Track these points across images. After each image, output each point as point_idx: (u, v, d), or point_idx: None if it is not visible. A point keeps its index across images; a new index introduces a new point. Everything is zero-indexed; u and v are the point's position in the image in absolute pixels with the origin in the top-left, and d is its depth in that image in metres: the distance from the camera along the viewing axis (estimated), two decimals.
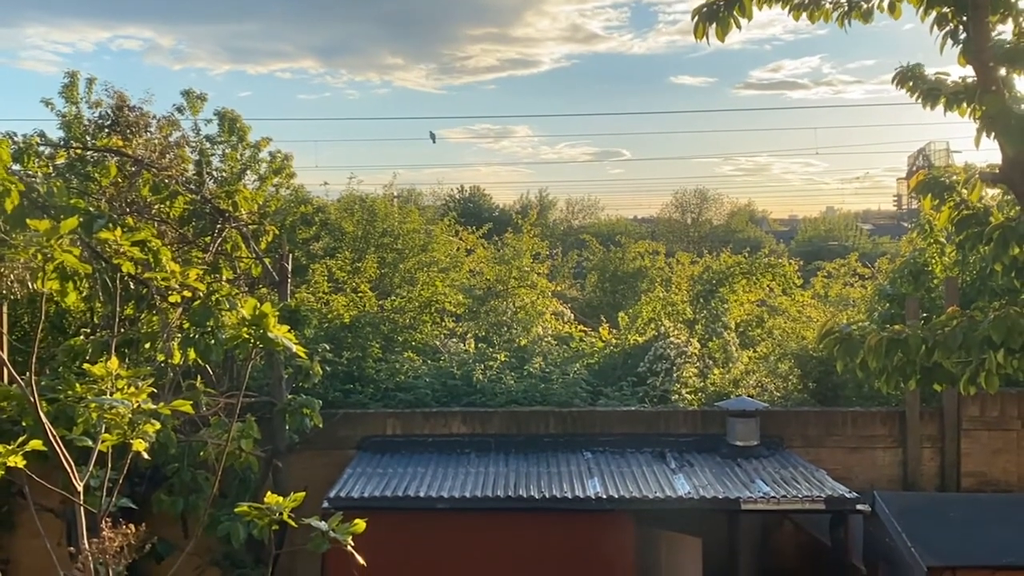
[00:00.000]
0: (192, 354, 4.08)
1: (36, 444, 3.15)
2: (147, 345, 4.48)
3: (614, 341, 9.46)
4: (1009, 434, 7.24)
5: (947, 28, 4.23)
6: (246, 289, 6.41)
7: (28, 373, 3.25)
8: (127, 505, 3.90)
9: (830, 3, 4.42)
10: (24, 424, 4.64)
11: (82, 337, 6.01)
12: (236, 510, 3.25)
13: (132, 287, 4.55)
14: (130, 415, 3.34)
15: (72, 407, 3.92)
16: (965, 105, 4.26)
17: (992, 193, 4.74)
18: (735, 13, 4.30)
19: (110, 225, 3.90)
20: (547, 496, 5.98)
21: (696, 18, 4.27)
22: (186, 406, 3.53)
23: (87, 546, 3.07)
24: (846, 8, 4.41)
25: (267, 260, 6.73)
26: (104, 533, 3.06)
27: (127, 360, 4.49)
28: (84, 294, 3.56)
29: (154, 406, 3.36)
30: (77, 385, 3.72)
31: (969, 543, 5.64)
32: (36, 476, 3.35)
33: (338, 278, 9.37)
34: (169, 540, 5.98)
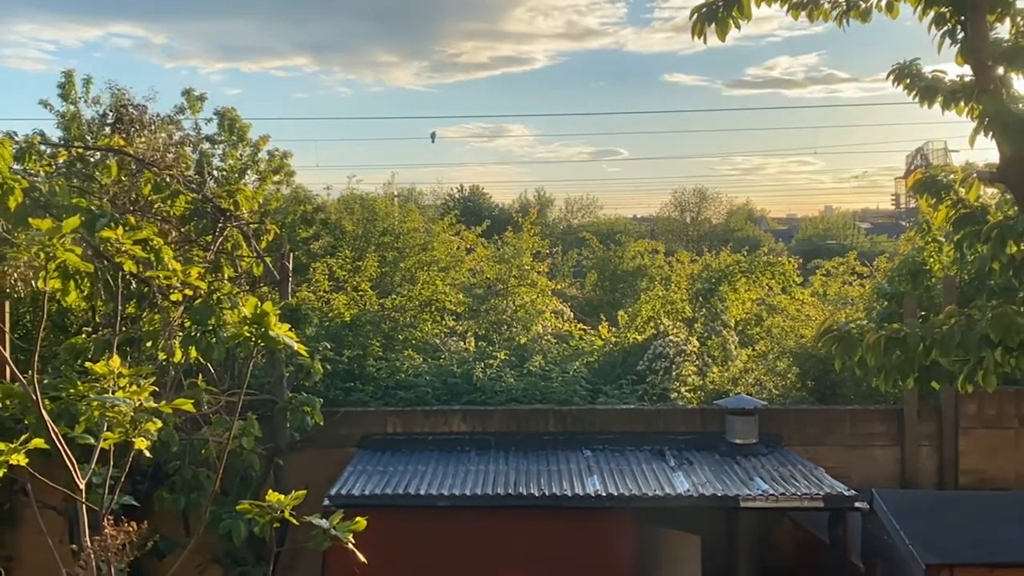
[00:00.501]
0: (193, 352, 4.10)
1: (38, 442, 3.16)
2: (149, 343, 4.51)
3: (613, 339, 9.48)
4: (1007, 432, 7.26)
5: (945, 27, 4.24)
6: (247, 288, 6.45)
7: (30, 371, 3.26)
8: (129, 503, 3.91)
9: (828, 2, 4.44)
10: (27, 422, 4.66)
11: (84, 336, 6.05)
12: (238, 508, 3.26)
13: (134, 286, 4.57)
14: (132, 413, 3.35)
15: (74, 405, 3.93)
16: (962, 104, 4.28)
17: (990, 192, 4.75)
18: (734, 13, 4.32)
19: (112, 224, 3.92)
20: (547, 494, 6.00)
21: (695, 18, 4.29)
22: (187, 404, 3.54)
23: (89, 543, 3.09)
24: (844, 7, 4.43)
25: (268, 259, 6.75)
26: (106, 531, 3.07)
27: (129, 358, 4.52)
28: (86, 293, 3.57)
29: (156, 404, 3.37)
30: (79, 383, 3.73)
31: (967, 541, 5.66)
32: (39, 474, 3.37)
33: (339, 277, 9.39)
34: (171, 538, 5.99)
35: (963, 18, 4.16)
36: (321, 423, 6.65)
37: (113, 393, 3.35)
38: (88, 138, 8.07)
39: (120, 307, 4.16)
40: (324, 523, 3.04)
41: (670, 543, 6.46)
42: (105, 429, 3.36)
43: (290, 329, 3.64)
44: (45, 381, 5.24)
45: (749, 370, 8.62)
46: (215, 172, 9.09)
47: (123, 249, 3.70)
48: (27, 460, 3.12)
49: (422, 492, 6.06)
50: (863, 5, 4.41)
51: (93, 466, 3.39)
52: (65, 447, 3.25)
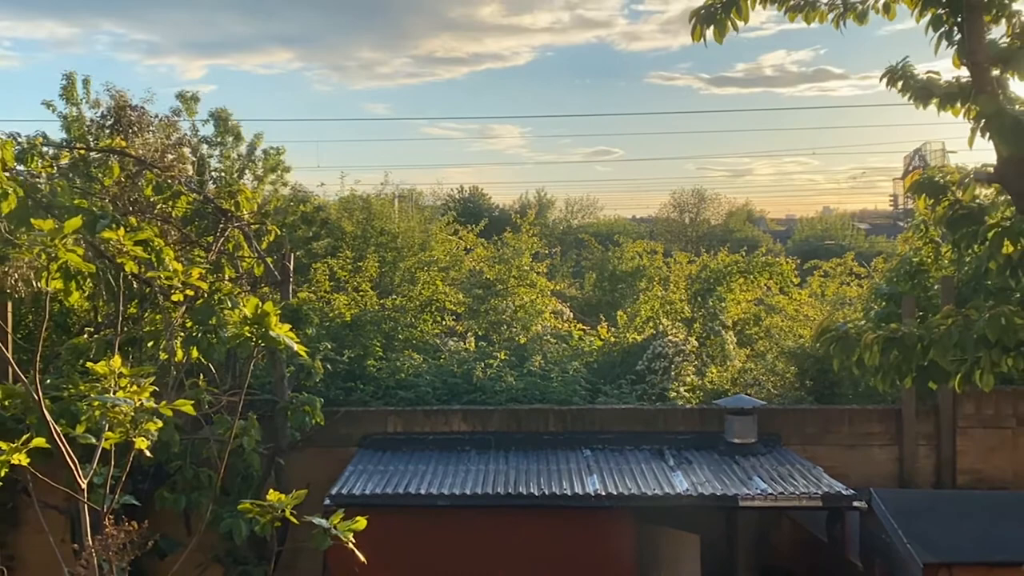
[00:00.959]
0: (195, 353, 4.12)
1: (40, 442, 3.18)
2: (150, 344, 4.52)
3: (612, 340, 9.50)
4: (1004, 432, 7.28)
5: (942, 29, 4.27)
6: (248, 288, 6.46)
7: (32, 371, 3.28)
8: (130, 502, 3.93)
9: (825, 4, 4.46)
10: (28, 422, 4.69)
11: (86, 336, 6.07)
12: (239, 507, 3.29)
13: (135, 286, 4.59)
14: (133, 413, 3.37)
15: (76, 405, 3.96)
16: (959, 105, 4.30)
17: (987, 192, 4.77)
18: (732, 15, 4.34)
19: (113, 225, 3.94)
20: (547, 493, 6.01)
21: (693, 20, 4.31)
22: (188, 405, 3.56)
23: (91, 543, 3.11)
24: (841, 9, 4.45)
25: (269, 259, 6.77)
26: (107, 530, 3.09)
27: (130, 359, 4.53)
28: (88, 293, 3.59)
29: (157, 404, 3.39)
30: (81, 383, 3.75)
31: (965, 540, 5.68)
32: (40, 473, 3.38)
33: (339, 277, 9.41)
34: (172, 537, 6.01)
35: (959, 20, 4.19)
36: (322, 423, 6.67)
37: (114, 393, 3.37)
38: (89, 139, 8.09)
39: (122, 307, 4.18)
40: (325, 522, 3.06)
41: (670, 542, 6.48)
42: (106, 429, 3.38)
43: (291, 329, 3.67)
44: (47, 381, 5.26)
45: (748, 370, 8.65)
46: (213, 173, 9.12)
47: (124, 250, 3.72)
48: (29, 460, 3.14)
49: (422, 491, 6.08)
50: (860, 7, 4.44)
51: (95, 466, 3.41)
52: (67, 447, 3.27)
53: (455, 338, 9.16)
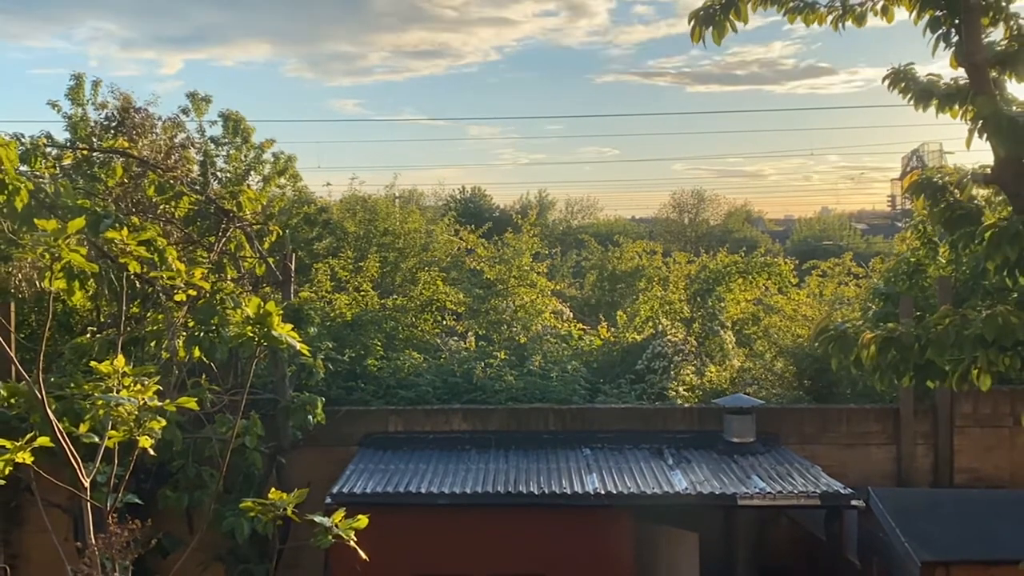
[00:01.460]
0: (197, 352, 4.14)
1: (44, 441, 3.18)
2: (153, 343, 4.55)
3: (612, 339, 9.53)
4: (1001, 431, 7.32)
5: (940, 31, 4.29)
6: (250, 288, 6.49)
7: (36, 371, 3.29)
8: (133, 501, 3.95)
9: (824, 6, 4.49)
10: (32, 421, 4.69)
11: (89, 335, 6.08)
12: (241, 506, 3.30)
13: (138, 286, 4.60)
14: (136, 412, 3.38)
15: (79, 404, 3.98)
16: (957, 107, 4.33)
17: (984, 193, 4.79)
18: (731, 17, 4.37)
19: (116, 225, 3.96)
20: (546, 492, 6.04)
21: (692, 22, 4.34)
22: (191, 403, 3.58)
23: (94, 541, 3.12)
24: (840, 11, 4.48)
25: (271, 260, 6.80)
26: (111, 528, 3.11)
27: (133, 358, 4.55)
28: (91, 293, 3.61)
29: (160, 403, 3.41)
30: (84, 383, 3.76)
31: (963, 538, 5.71)
32: (44, 472, 3.39)
33: (340, 277, 9.44)
34: (174, 535, 6.05)
35: (957, 22, 4.21)
36: (323, 422, 6.70)
37: (117, 392, 3.38)
38: (94, 140, 8.12)
39: (124, 307, 4.19)
40: (326, 521, 3.08)
41: (669, 541, 6.51)
42: (109, 428, 3.39)
43: (292, 329, 3.68)
44: (51, 380, 5.28)
45: (746, 369, 8.68)
46: (219, 174, 9.14)
47: (127, 250, 3.74)
48: (32, 458, 3.14)
49: (423, 490, 6.11)
50: (858, 9, 4.47)
51: (98, 464, 3.41)
52: (70, 446, 3.28)
53: (456, 338, 9.20)
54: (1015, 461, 7.29)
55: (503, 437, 7.38)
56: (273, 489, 3.20)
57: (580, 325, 10.07)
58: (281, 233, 6.78)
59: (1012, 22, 4.29)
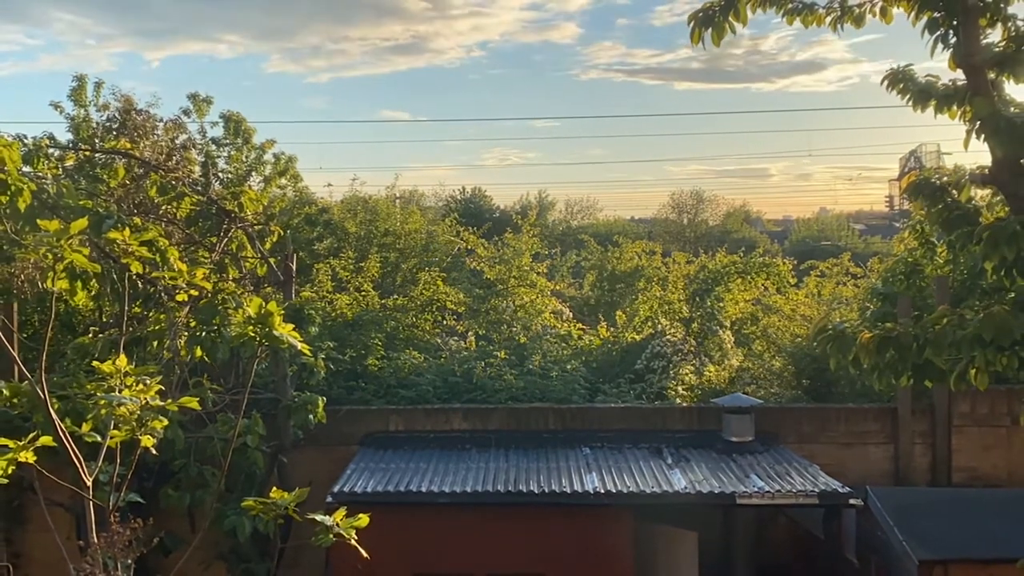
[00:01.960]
0: (199, 352, 4.16)
1: (46, 440, 3.19)
2: (155, 343, 4.57)
3: (612, 339, 9.56)
4: (999, 430, 7.34)
5: (938, 32, 4.32)
6: (251, 288, 6.50)
7: (38, 370, 3.29)
8: (135, 500, 3.97)
9: (823, 8, 4.51)
10: (35, 420, 4.71)
11: (91, 335, 6.10)
12: (242, 505, 3.32)
13: (140, 286, 4.62)
14: (138, 411, 3.39)
15: (81, 404, 4.00)
16: (955, 107, 4.35)
17: (982, 194, 4.82)
18: (730, 18, 4.39)
19: (118, 225, 3.98)
20: (546, 491, 6.06)
21: (692, 23, 4.36)
22: (193, 403, 3.59)
23: (96, 540, 3.14)
24: (839, 13, 4.50)
25: (272, 260, 6.82)
26: (113, 527, 3.12)
27: (135, 358, 4.57)
28: (93, 293, 3.62)
29: (162, 403, 3.43)
30: (86, 382, 3.77)
31: (960, 537, 5.74)
32: (46, 471, 3.40)
33: (341, 277, 9.46)
34: (176, 534, 6.07)
35: (955, 23, 4.23)
36: (324, 421, 6.72)
37: (120, 392, 3.39)
38: (96, 141, 8.13)
39: (126, 307, 4.21)
40: (327, 520, 3.09)
41: (668, 540, 6.53)
42: (112, 427, 3.40)
43: (294, 329, 3.69)
44: (53, 380, 5.29)
45: (745, 369, 8.70)
46: (220, 174, 9.16)
47: (129, 250, 3.75)
48: (35, 458, 3.15)
49: (423, 489, 6.13)
50: (857, 10, 4.49)
51: (100, 464, 3.42)
52: (72, 445, 3.29)
53: (456, 337, 9.22)
54: (1012, 460, 7.32)
55: (503, 436, 7.40)
56: (274, 488, 3.21)
57: (580, 325, 10.09)
58: (282, 233, 6.80)
59: (1010, 23, 4.31)
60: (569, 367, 8.38)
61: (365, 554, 3.18)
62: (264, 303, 3.64)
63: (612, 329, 9.85)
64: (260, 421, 6.30)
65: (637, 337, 9.39)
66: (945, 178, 4.69)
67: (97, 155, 6.98)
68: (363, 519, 3.11)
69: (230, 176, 9.20)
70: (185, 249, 6.03)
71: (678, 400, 8.11)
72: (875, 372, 4.00)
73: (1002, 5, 4.26)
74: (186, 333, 4.25)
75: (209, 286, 4.17)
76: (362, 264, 9.90)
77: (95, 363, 3.50)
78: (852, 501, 5.94)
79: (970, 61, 4.16)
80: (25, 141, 5.33)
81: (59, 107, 8.55)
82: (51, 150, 5.88)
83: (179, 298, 4.18)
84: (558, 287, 11.05)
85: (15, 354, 3.72)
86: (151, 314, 5.04)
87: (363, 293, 9.08)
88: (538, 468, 6.61)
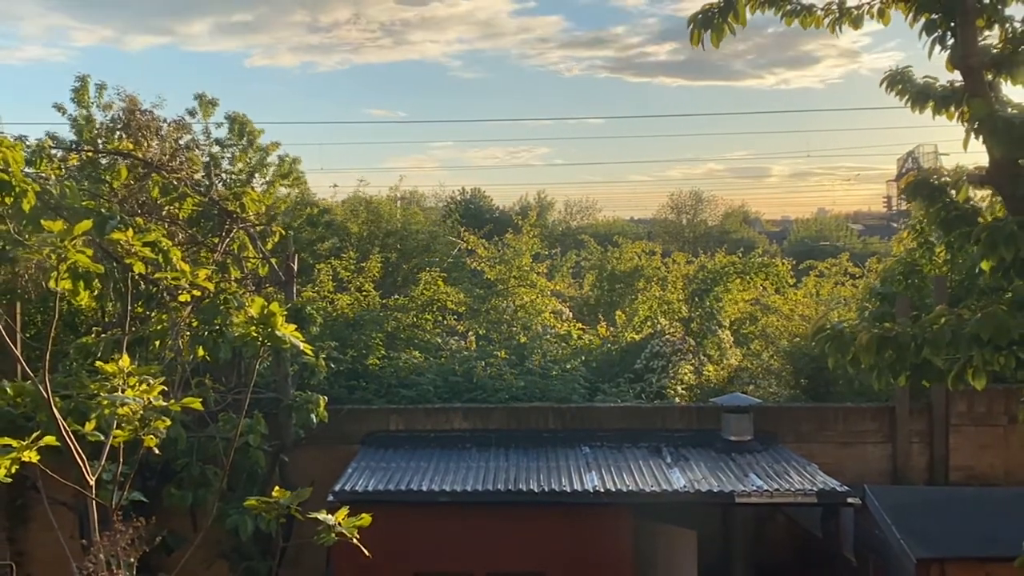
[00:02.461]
0: (201, 351, 4.18)
1: (50, 439, 3.19)
2: (157, 343, 4.58)
3: (611, 339, 9.58)
4: (996, 429, 7.37)
5: (936, 34, 4.34)
6: (253, 288, 6.52)
7: (42, 370, 3.31)
8: (138, 499, 3.99)
9: (822, 9, 4.53)
10: (38, 420, 4.74)
11: (94, 335, 6.12)
12: (244, 504, 3.34)
13: (143, 286, 4.64)
14: (141, 411, 3.41)
15: (85, 403, 4.01)
16: (953, 108, 4.37)
17: (980, 194, 4.84)
18: (729, 19, 4.41)
19: (121, 226, 4.00)
20: (546, 490, 6.09)
21: (691, 25, 4.38)
22: (195, 403, 3.61)
23: (99, 539, 3.16)
24: (837, 14, 4.53)
25: (274, 260, 6.84)
26: (116, 526, 3.14)
27: (138, 357, 4.59)
28: (96, 293, 3.64)
29: (164, 402, 3.44)
30: (89, 382, 3.79)
31: (957, 535, 5.76)
32: (50, 471, 3.41)
33: (343, 278, 9.48)
34: (178, 533, 6.09)
35: (953, 24, 4.26)
36: (325, 421, 6.74)
37: (122, 391, 3.41)
38: (100, 142, 8.15)
39: (129, 307, 4.23)
40: (329, 519, 3.11)
41: (667, 538, 6.56)
42: (115, 426, 3.42)
43: (295, 329, 3.72)
44: (56, 379, 5.31)
45: (744, 368, 8.73)
46: (224, 175, 9.18)
47: (132, 250, 3.77)
48: (38, 457, 3.16)
49: (424, 488, 6.15)
50: (855, 12, 4.51)
51: (103, 463, 3.45)
52: (76, 444, 3.31)
53: (456, 337, 9.24)
54: (1009, 459, 7.35)
55: (503, 436, 7.43)
56: (276, 487, 3.24)
57: (579, 325, 10.12)
58: (284, 234, 6.82)
59: (1007, 25, 4.33)
60: (569, 367, 8.41)
61: (366, 553, 3.20)
62: (266, 303, 3.66)
63: (612, 329, 9.88)
64: (262, 420, 6.32)
65: (636, 337, 9.42)
66: (943, 178, 4.71)
67: (100, 156, 7.00)
68: (365, 518, 3.13)
69: (233, 177, 9.23)
70: (187, 249, 6.06)
71: (677, 399, 8.14)
72: (873, 372, 4.01)
73: (999, 7, 4.28)
74: (188, 333, 4.27)
75: (211, 286, 4.19)
76: (363, 264, 9.92)
77: (98, 363, 3.52)
78: (850, 500, 5.97)
79: (968, 62, 4.17)
80: (29, 142, 5.35)
81: (61, 108, 8.57)
82: (54, 151, 5.90)
83: (181, 298, 4.21)
84: (558, 287, 11.08)
85: (18, 354, 3.74)
86: (154, 314, 5.06)
87: (364, 293, 9.11)
88: (538, 467, 6.64)
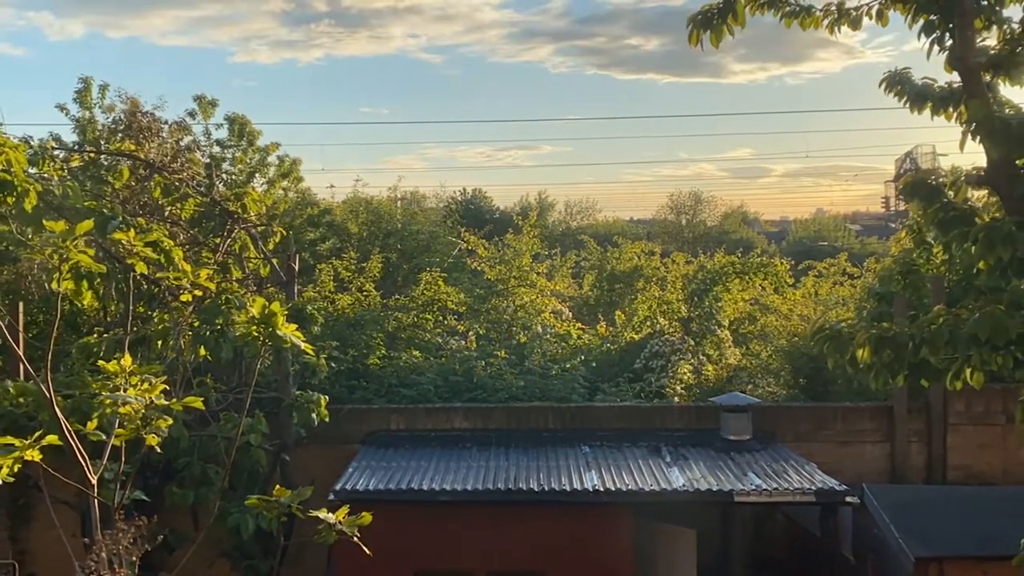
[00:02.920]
0: (202, 351, 4.20)
1: (52, 439, 3.20)
2: (159, 343, 4.60)
3: (611, 338, 9.61)
4: (994, 429, 7.40)
5: (934, 35, 4.36)
6: (254, 288, 6.54)
7: (44, 369, 3.33)
8: (140, 498, 4.01)
9: (820, 10, 4.55)
10: (40, 419, 4.76)
11: (96, 335, 6.14)
12: (245, 503, 3.35)
13: (144, 286, 4.66)
14: (143, 410, 3.43)
15: (87, 403, 4.04)
16: (951, 109, 4.39)
17: (978, 195, 4.86)
18: (728, 20, 4.43)
19: (123, 226, 4.01)
20: (546, 489, 6.11)
21: (691, 26, 4.40)
22: (197, 402, 3.63)
23: (101, 538, 3.17)
24: (836, 15, 4.54)
25: (275, 260, 6.85)
26: (118, 525, 3.16)
27: (139, 357, 4.61)
28: (98, 293, 3.66)
29: (166, 402, 3.46)
30: (91, 381, 3.80)
31: (955, 534, 5.79)
32: (52, 470, 3.42)
33: (343, 278, 9.51)
34: (180, 532, 6.11)
35: (951, 26, 4.28)
36: (326, 420, 6.76)
37: (124, 391, 3.42)
38: (102, 143, 8.18)
39: (131, 307, 4.25)
40: (330, 518, 3.12)
41: (666, 537, 6.58)
42: (117, 426, 3.43)
43: (296, 328, 3.74)
44: (59, 379, 5.34)
45: (743, 368, 8.76)
46: (224, 175, 9.21)
47: (134, 251, 3.78)
48: (41, 456, 3.17)
49: (424, 487, 6.17)
50: (854, 13, 4.53)
51: (105, 462, 3.46)
52: (78, 444, 3.32)
53: (457, 337, 9.26)
54: (1007, 458, 7.37)
55: (503, 435, 7.45)
56: (277, 486, 3.25)
57: (579, 325, 10.14)
58: (285, 234, 6.84)
59: (1005, 26, 4.35)
60: (568, 366, 8.43)
61: (367, 551, 3.21)
62: (267, 303, 3.67)
63: (611, 329, 9.90)
64: (263, 420, 6.34)
65: (636, 336, 9.44)
66: (941, 179, 4.73)
67: (103, 156, 7.03)
68: (366, 517, 3.14)
69: (234, 177, 9.26)
70: (189, 250, 6.07)
71: (676, 399, 8.16)
72: (872, 371, 4.03)
73: (997, 7, 4.30)
74: (190, 333, 4.29)
75: (213, 286, 4.21)
76: (364, 264, 9.95)
77: (100, 362, 3.54)
78: (848, 499, 6.00)
79: (966, 63, 4.19)
80: (31, 143, 5.36)
81: (64, 109, 8.60)
82: (57, 152, 5.91)
83: (183, 298, 4.22)
84: (558, 287, 11.11)
85: (21, 354, 3.76)
86: (155, 314, 5.08)
87: (365, 293, 9.13)
88: (538, 466, 6.66)
